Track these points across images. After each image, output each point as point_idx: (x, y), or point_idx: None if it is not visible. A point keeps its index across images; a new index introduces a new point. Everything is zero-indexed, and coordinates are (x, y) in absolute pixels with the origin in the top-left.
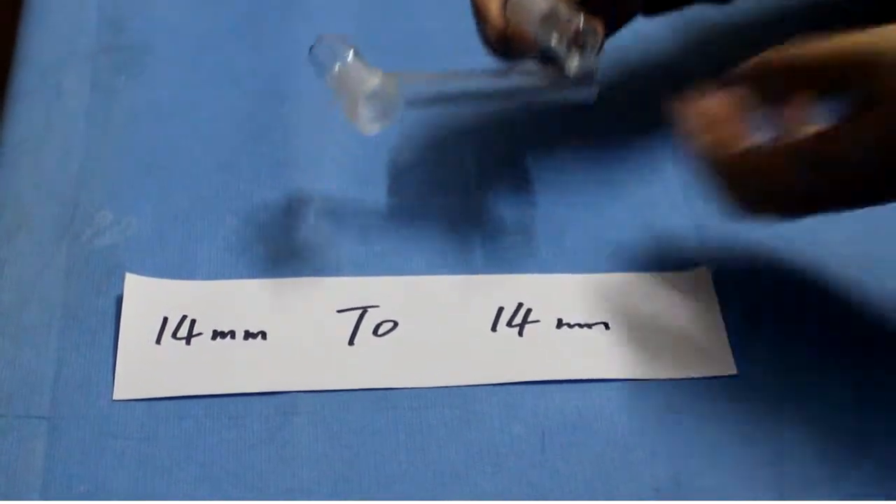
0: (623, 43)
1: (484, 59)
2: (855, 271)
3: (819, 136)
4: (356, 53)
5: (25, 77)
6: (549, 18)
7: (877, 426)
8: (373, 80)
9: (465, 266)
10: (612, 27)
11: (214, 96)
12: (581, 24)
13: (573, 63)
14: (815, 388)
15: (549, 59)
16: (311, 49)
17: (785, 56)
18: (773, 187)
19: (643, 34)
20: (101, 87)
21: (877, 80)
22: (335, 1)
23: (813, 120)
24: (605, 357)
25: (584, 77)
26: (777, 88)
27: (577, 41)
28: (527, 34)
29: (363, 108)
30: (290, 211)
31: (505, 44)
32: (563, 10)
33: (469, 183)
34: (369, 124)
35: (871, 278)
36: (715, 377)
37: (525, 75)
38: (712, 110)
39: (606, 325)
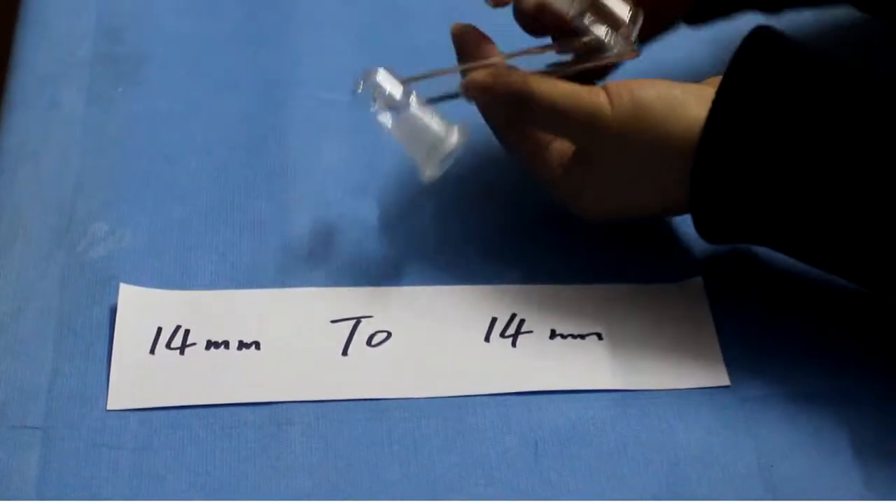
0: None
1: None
2: (849, 282)
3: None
4: (417, 97)
5: (22, 86)
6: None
7: (870, 438)
8: (450, 140)
9: (459, 277)
10: (654, 31)
11: (211, 106)
12: (627, 16)
13: (614, 47)
14: (808, 398)
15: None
16: (358, 86)
17: (523, 87)
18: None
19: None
20: (97, 96)
21: (591, 137)
22: (332, 10)
23: None
24: (598, 368)
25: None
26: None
27: (618, 28)
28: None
29: (433, 164)
30: (285, 221)
31: (538, 21)
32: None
33: (464, 193)
34: (434, 174)
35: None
36: (708, 388)
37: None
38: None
39: (600, 336)
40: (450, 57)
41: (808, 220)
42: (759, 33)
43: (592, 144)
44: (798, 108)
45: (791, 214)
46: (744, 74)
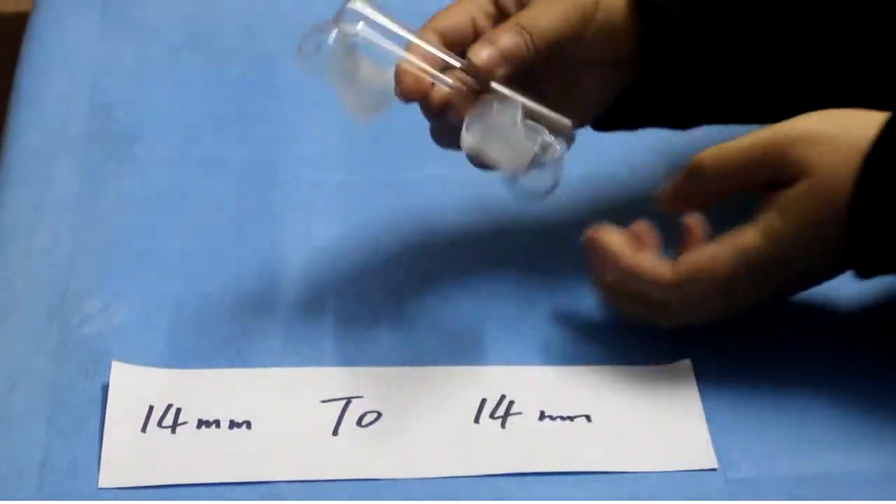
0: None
1: None
2: (836, 363)
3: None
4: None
5: (16, 163)
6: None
7: None
8: (362, 70)
9: (449, 357)
10: None
11: (203, 184)
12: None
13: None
14: (796, 481)
15: None
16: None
17: (713, 154)
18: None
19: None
20: (90, 174)
21: (789, 157)
22: (321, 91)
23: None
24: (587, 450)
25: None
26: (708, 188)
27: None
28: None
29: (353, 96)
30: (276, 300)
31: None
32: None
33: (454, 274)
34: (362, 113)
35: (853, 369)
36: (696, 470)
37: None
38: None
39: (588, 418)
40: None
41: None
42: None
43: (787, 156)
44: None
45: None
46: None
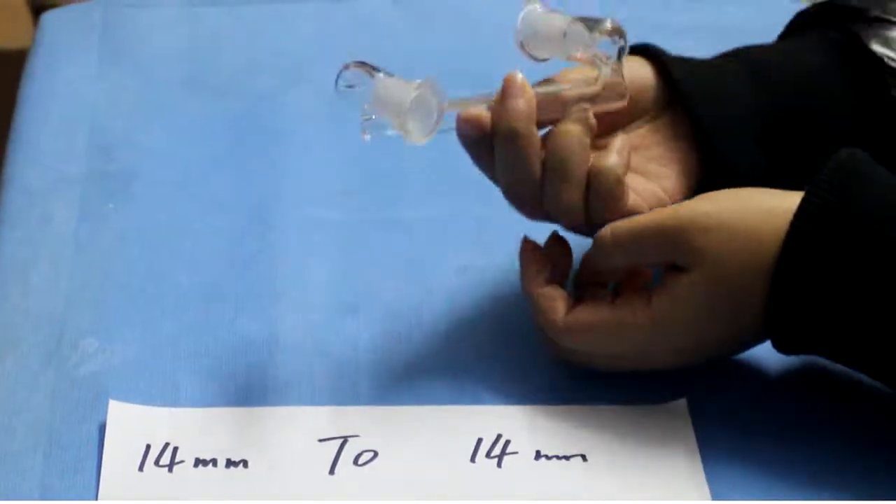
0: None
1: None
2: (831, 401)
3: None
4: (387, 72)
5: (13, 201)
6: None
7: None
8: (412, 89)
9: (445, 397)
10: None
11: (201, 224)
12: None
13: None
14: None
15: None
16: (337, 78)
17: (615, 227)
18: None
19: None
20: (88, 212)
21: (683, 248)
22: (320, 129)
23: None
24: (582, 489)
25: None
26: (612, 260)
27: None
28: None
29: (411, 120)
30: (273, 339)
31: None
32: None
33: (452, 313)
34: (420, 136)
35: (848, 408)
36: None
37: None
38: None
39: (584, 457)
40: (435, 170)
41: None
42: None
43: (681, 246)
44: (876, 245)
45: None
46: (824, 201)
